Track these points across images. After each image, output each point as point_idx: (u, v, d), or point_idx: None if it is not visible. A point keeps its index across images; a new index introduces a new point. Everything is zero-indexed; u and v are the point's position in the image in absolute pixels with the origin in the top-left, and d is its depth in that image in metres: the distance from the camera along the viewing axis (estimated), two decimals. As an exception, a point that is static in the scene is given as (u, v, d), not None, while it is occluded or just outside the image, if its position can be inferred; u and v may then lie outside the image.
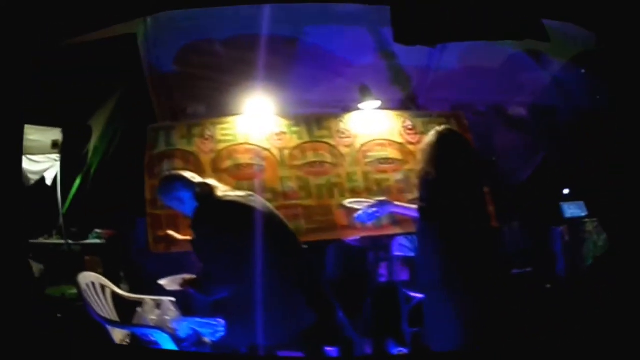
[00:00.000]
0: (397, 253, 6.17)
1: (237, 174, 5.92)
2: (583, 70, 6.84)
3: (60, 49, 4.63)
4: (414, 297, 5.58)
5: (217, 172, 5.83)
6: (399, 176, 6.14)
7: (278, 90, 6.33)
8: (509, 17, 5.09)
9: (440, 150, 4.47)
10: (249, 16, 5.55)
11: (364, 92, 6.64)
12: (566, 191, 7.86)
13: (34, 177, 6.51)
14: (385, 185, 6.07)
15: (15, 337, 3.81)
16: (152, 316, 4.75)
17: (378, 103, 6.71)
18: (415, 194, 4.67)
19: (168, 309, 4.86)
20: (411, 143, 6.32)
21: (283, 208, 5.62)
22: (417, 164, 4.94)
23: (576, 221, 7.36)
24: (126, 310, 4.95)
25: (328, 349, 5.25)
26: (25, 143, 4.64)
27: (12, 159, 3.99)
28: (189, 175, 4.74)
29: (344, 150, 6.24)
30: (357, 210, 4.99)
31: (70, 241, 5.96)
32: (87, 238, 6.24)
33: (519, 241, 7.07)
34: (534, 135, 7.80)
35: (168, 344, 4.44)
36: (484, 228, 4.47)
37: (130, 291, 5.27)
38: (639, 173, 4.68)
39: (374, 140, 6.36)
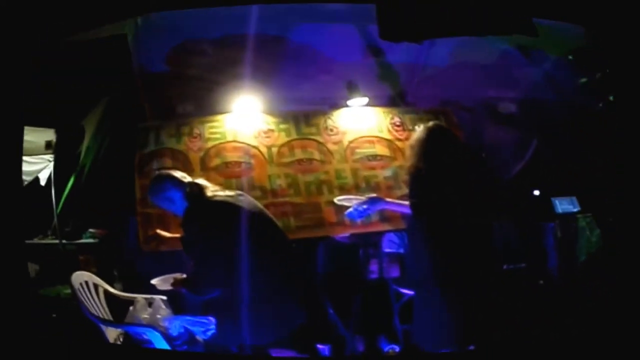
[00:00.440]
0: (387, 250, 6.28)
1: (226, 172, 5.99)
2: (572, 66, 6.89)
3: (52, 50, 4.70)
4: (405, 294, 5.64)
5: (206, 170, 5.90)
6: (387, 172, 6.21)
7: (266, 88, 6.38)
8: (497, 12, 5.12)
9: (429, 146, 4.57)
10: (237, 16, 5.59)
11: (352, 88, 6.70)
12: (558, 186, 7.93)
13: (27, 178, 6.50)
14: (374, 181, 6.13)
15: (12, 336, 3.90)
16: (144, 315, 4.84)
17: (366, 100, 6.77)
18: (403, 190, 4.82)
19: (160, 308, 4.93)
20: (399, 139, 6.40)
21: (272, 205, 5.72)
22: (405, 160, 5.05)
23: (568, 216, 7.40)
24: (119, 309, 5.04)
25: (320, 346, 5.36)
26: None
27: (11, 160, 4.07)
28: (179, 174, 4.82)
29: (332, 147, 6.32)
30: (348, 207, 5.12)
31: (64, 241, 6.02)
32: (81, 238, 6.30)
33: (511, 237, 7.02)
34: (524, 131, 7.83)
35: (160, 343, 4.54)
36: (474, 224, 4.49)
37: (123, 290, 5.35)
38: (631, 168, 4.77)
39: (362, 136, 6.44)
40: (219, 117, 6.34)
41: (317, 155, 6.26)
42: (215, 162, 6.05)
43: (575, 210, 7.50)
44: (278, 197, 5.97)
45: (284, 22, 6.23)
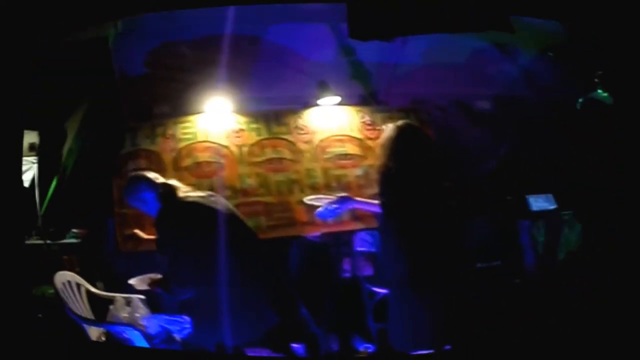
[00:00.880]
0: (359, 248, 6.38)
1: (197, 172, 6.15)
2: (549, 62, 7.03)
3: (35, 53, 4.78)
4: (378, 292, 5.71)
5: (178, 170, 6.06)
6: (358, 172, 6.36)
7: (238, 88, 6.51)
8: (471, 8, 5.27)
9: (399, 144, 4.66)
10: (213, 17, 5.72)
11: (323, 87, 6.81)
12: (533, 184, 7.95)
13: None
14: (345, 180, 6.30)
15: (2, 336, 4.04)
16: (124, 314, 4.95)
17: (338, 99, 6.88)
18: (375, 189, 4.83)
19: (138, 307, 5.04)
20: (370, 138, 6.56)
21: (243, 205, 5.88)
22: (376, 159, 5.06)
23: (544, 214, 7.34)
24: (101, 308, 5.15)
25: (294, 345, 5.43)
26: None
27: (11, 160, 4.18)
28: (152, 176, 4.97)
29: (302, 146, 6.48)
30: (318, 206, 5.24)
31: (48, 241, 6.10)
32: (64, 238, 6.40)
33: (485, 235, 6.99)
34: (498, 129, 7.90)
35: (140, 341, 4.68)
36: (445, 222, 4.57)
37: (105, 289, 5.45)
38: (608, 164, 4.95)
39: (332, 136, 6.60)
40: (191, 117, 6.50)
41: (287, 155, 6.41)
42: (187, 162, 6.20)
43: (551, 207, 7.42)
44: (249, 196, 6.12)
45: (257, 22, 6.35)
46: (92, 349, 4.71)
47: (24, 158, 6.53)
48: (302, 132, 6.59)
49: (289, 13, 6.31)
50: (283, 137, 6.54)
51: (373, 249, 6.25)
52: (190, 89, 6.62)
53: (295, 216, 6.10)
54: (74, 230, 6.45)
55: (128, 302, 5.08)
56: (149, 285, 4.77)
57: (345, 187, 6.15)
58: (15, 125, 4.28)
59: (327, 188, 6.16)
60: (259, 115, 6.61)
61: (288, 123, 6.62)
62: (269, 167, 6.34)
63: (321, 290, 6.20)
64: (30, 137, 6.37)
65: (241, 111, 6.61)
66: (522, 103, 7.79)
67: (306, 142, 6.55)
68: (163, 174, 5.23)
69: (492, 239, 7.10)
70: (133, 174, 5.34)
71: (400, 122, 4.89)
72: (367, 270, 6.29)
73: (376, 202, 4.74)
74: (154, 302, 5.25)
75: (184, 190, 4.94)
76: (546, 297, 6.15)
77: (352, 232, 6.31)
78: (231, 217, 4.91)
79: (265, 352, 4.94)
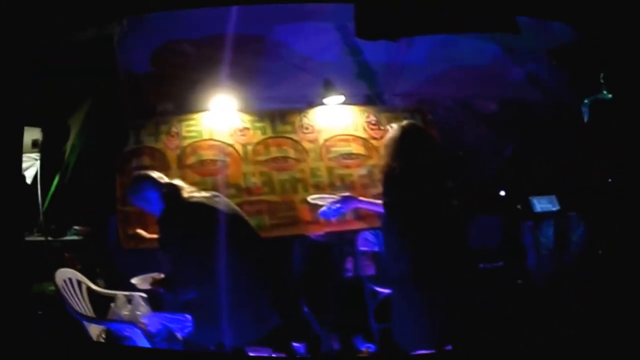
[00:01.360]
0: (362, 248, 6.26)
1: (201, 170, 6.11)
2: (552, 63, 6.99)
3: (39, 50, 4.75)
4: (381, 292, 5.67)
5: (182, 168, 6.03)
6: (362, 171, 6.33)
7: (243, 87, 6.46)
8: (478, 10, 5.28)
9: (403, 144, 4.64)
10: (218, 16, 5.64)
11: (328, 87, 6.78)
12: (537, 185, 7.92)
13: None
14: (349, 180, 6.27)
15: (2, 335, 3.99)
16: (125, 311, 4.88)
17: (342, 98, 6.83)
18: (379, 189, 4.81)
19: (139, 305, 4.96)
20: (375, 138, 6.51)
21: (247, 204, 5.86)
22: (380, 159, 5.08)
23: (547, 215, 7.33)
24: (102, 306, 5.08)
25: (296, 345, 5.38)
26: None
27: (11, 159, 4.14)
28: (156, 175, 4.96)
29: (307, 145, 6.44)
30: (321, 206, 5.18)
31: (50, 238, 6.08)
32: (66, 235, 6.37)
33: (488, 236, 7.01)
34: (503, 130, 7.87)
35: (140, 339, 4.60)
36: (449, 222, 4.54)
37: (106, 287, 5.38)
38: (612, 167, 4.89)
39: (337, 135, 6.55)
40: (195, 115, 6.44)
41: (292, 154, 6.37)
42: (191, 160, 6.16)
43: (554, 209, 7.40)
44: (253, 195, 6.08)
45: (263, 21, 6.30)
46: (91, 348, 4.65)
47: (27, 155, 6.51)
48: (307, 131, 6.55)
49: (295, 12, 6.30)
50: (288, 136, 6.48)
51: (376, 249, 6.18)
52: (194, 87, 6.57)
53: (299, 215, 6.05)
54: (76, 227, 6.41)
55: (129, 300, 5.01)
56: (151, 284, 4.74)
57: (349, 186, 6.13)
58: (15, 124, 4.22)
59: (331, 187, 6.14)
60: (264, 114, 6.57)
61: (293, 122, 6.58)
62: (273, 165, 6.30)
63: (324, 290, 6.14)
64: (33, 134, 6.34)
65: (246, 110, 6.57)
66: (527, 104, 7.75)
67: (311, 141, 6.50)
68: (167, 172, 5.29)
69: (494, 240, 7.10)
70: (137, 173, 5.33)
71: (404, 123, 4.87)
72: (370, 270, 6.20)
73: (380, 202, 4.69)
74: (155, 300, 5.17)
75: (189, 191, 4.93)
76: (548, 298, 6.12)
77: (355, 232, 6.20)
78: (235, 218, 4.90)
79: (266, 352, 4.86)
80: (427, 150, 4.71)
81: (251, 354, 4.76)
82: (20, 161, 4.28)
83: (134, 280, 4.78)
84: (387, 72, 7.36)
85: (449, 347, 4.45)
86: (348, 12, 5.49)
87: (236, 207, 5.13)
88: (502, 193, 7.83)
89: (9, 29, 4.19)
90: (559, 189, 7.34)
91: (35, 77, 4.83)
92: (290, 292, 5.91)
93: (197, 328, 4.65)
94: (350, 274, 6.41)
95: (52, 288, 4.88)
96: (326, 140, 6.52)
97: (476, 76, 7.38)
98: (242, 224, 4.95)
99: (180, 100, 6.75)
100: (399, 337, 4.64)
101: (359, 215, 5.96)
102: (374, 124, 6.65)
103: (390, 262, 4.66)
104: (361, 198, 5.10)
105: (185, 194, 4.84)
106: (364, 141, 6.56)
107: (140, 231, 5.51)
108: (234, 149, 6.30)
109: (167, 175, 5.10)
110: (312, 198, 5.60)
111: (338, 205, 5.05)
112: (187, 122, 6.37)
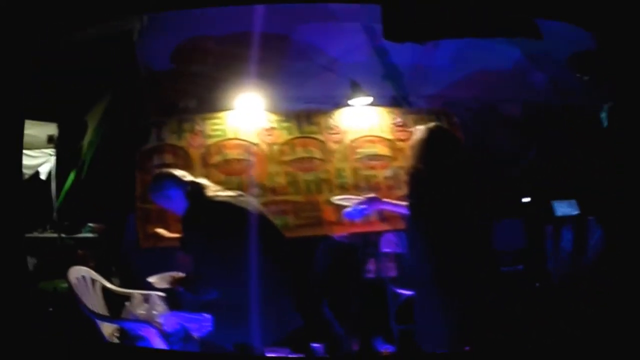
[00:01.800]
0: (385, 249, 6.24)
1: (226, 169, 6.03)
2: (576, 69, 6.82)
3: (57, 45, 4.71)
4: (402, 294, 5.61)
5: (206, 167, 5.95)
6: (388, 173, 6.24)
7: (269, 86, 6.39)
8: (502, 14, 5.19)
9: (429, 146, 4.55)
10: (241, 14, 5.57)
11: (355, 88, 6.69)
12: (558, 189, 7.93)
13: (28, 172, 6.50)
14: (374, 181, 6.17)
15: (10, 331, 3.91)
16: (141, 310, 4.82)
17: (369, 99, 6.75)
18: (404, 191, 4.74)
19: (156, 304, 4.90)
20: (401, 140, 6.38)
21: (271, 203, 5.80)
22: (406, 161, 5.00)
23: (568, 219, 7.37)
24: (116, 304, 5.04)
25: (314, 345, 5.32)
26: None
27: (11, 158, 4.08)
28: (179, 173, 4.85)
29: (333, 146, 6.34)
30: (346, 206, 5.11)
31: (63, 235, 6.04)
32: (80, 232, 6.33)
33: (510, 239, 7.01)
34: (527, 133, 7.82)
35: (155, 339, 4.54)
36: (473, 225, 4.51)
37: (121, 285, 5.34)
38: (634, 171, 4.75)
39: (363, 136, 6.45)
40: (220, 114, 6.35)
41: (317, 154, 6.28)
42: (216, 159, 6.08)
43: (574, 213, 7.44)
44: (278, 195, 6.01)
45: (289, 21, 6.24)
46: (103, 348, 4.57)
47: (42, 150, 6.49)
48: (333, 131, 6.45)
49: (322, 12, 6.20)
50: (314, 137, 6.39)
51: (398, 251, 6.11)
52: (218, 85, 6.54)
53: (323, 216, 5.98)
54: (90, 224, 6.38)
55: (146, 299, 4.95)
56: (171, 283, 4.67)
57: (374, 187, 6.02)
58: (15, 124, 4.14)
59: (356, 188, 6.04)
60: (291, 114, 6.48)
61: (319, 122, 6.47)
62: (298, 166, 6.22)
63: (346, 291, 6.10)
64: (48, 129, 6.33)
65: (272, 109, 6.49)
66: (551, 108, 7.75)
67: (337, 142, 6.40)
68: (190, 170, 5.16)
69: (515, 243, 7.14)
70: (159, 170, 5.26)
71: (431, 125, 4.80)
72: (392, 272, 6.16)
73: (404, 203, 4.66)
74: (172, 299, 5.10)
75: (214, 190, 4.82)
76: (568, 302, 6.07)
77: (379, 233, 6.16)
78: (260, 218, 4.77)
79: (284, 352, 4.81)
80: (452, 153, 4.64)
81: (269, 355, 4.68)
82: (20, 161, 4.19)
83: (151, 279, 4.70)
84: (413, 74, 7.28)
85: (466, 348, 4.41)
86: (374, 12, 5.38)
87: (261, 207, 5.06)
88: (523, 197, 7.84)
89: (8, 29, 4.10)
90: (579, 193, 7.36)
91: (52, 72, 4.80)
92: (313, 292, 5.82)
93: (217, 328, 4.53)
94: (372, 276, 6.33)
95: (64, 285, 4.81)
96: (352, 141, 6.41)
97: (501, 79, 7.31)
98: (267, 224, 4.84)
99: (203, 98, 6.72)
100: (421, 338, 4.61)
101: (383, 217, 5.85)
102: (400, 126, 6.54)
103: (415, 263, 4.60)
104: (386, 200, 5.05)
105: (211, 193, 4.74)
106: (390, 142, 6.45)
107: (160, 230, 5.39)
108: (260, 148, 6.23)
109: (190, 174, 4.99)
110: (337, 199, 5.53)
111: (363, 206, 5.00)
112: (212, 121, 6.27)
